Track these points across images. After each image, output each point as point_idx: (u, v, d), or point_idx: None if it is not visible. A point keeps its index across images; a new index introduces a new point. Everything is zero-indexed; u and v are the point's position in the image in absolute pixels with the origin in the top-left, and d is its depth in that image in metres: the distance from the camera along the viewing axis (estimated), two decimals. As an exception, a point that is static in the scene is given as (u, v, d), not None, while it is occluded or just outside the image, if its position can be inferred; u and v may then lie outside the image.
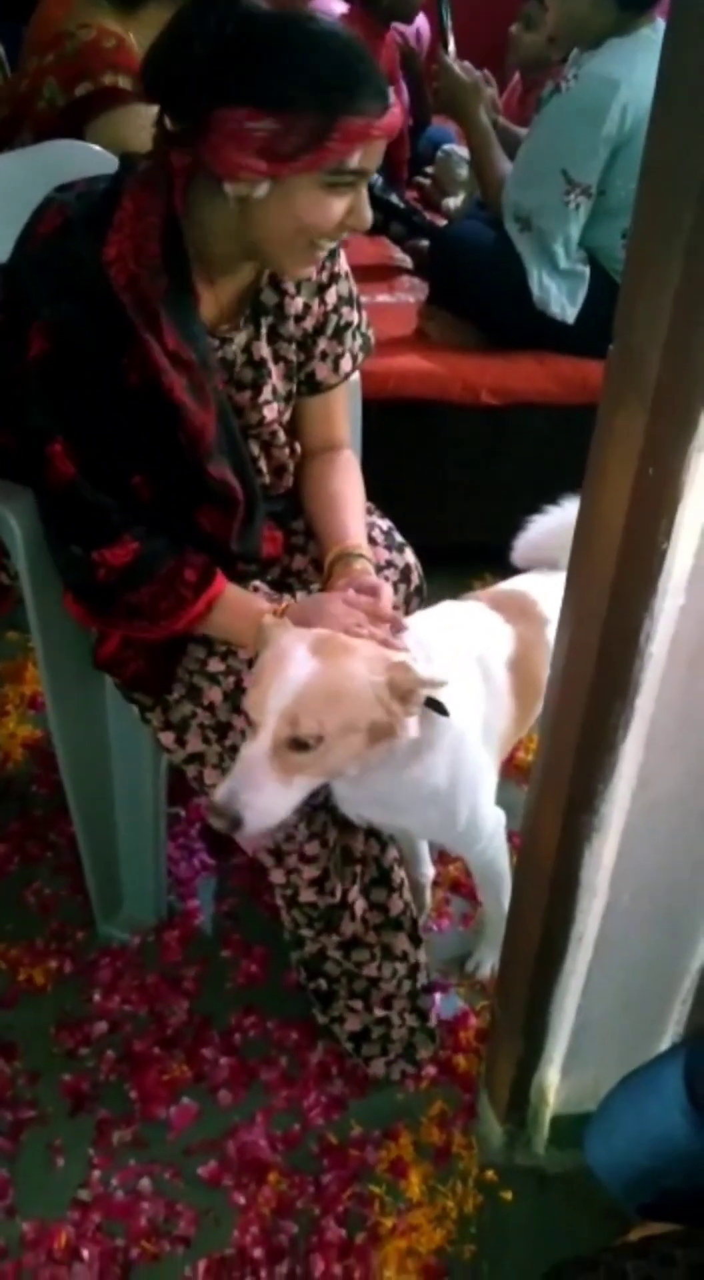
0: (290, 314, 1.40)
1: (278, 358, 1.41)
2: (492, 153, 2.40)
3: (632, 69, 2.07)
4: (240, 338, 1.36)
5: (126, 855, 1.69)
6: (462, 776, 1.36)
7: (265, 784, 1.12)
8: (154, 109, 1.93)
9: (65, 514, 1.28)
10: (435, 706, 1.22)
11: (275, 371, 1.41)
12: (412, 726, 1.21)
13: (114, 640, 1.38)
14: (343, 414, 1.55)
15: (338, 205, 1.20)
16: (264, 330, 1.39)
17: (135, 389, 1.22)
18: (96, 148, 1.76)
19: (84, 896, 1.72)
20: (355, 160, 1.17)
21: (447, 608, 1.49)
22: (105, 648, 1.40)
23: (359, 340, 1.49)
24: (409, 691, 1.16)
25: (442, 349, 2.46)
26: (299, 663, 1.13)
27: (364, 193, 1.24)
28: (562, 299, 2.27)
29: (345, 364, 1.48)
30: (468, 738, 1.36)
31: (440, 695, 1.21)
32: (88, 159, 1.72)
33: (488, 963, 1.69)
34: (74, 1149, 1.45)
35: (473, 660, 1.40)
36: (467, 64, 2.45)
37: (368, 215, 1.25)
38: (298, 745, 1.12)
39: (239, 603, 1.33)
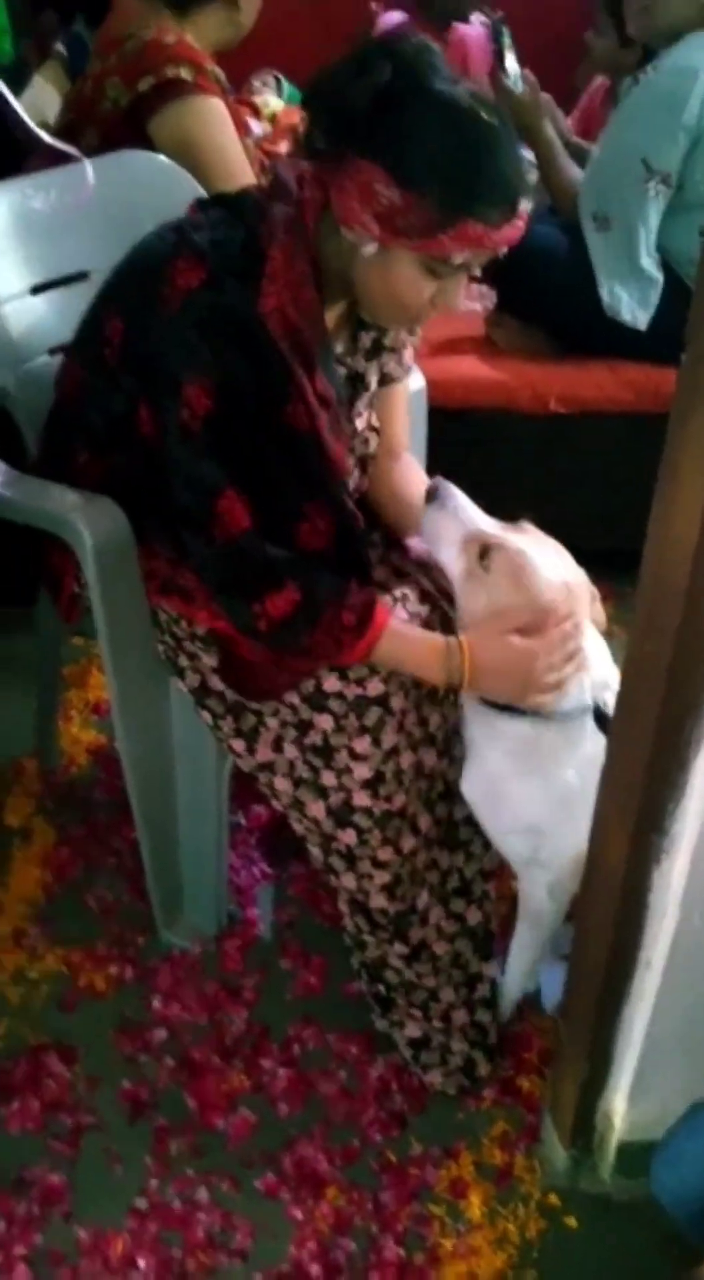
0: None
1: (378, 368, 1.43)
2: (558, 160, 2.37)
3: None
4: (343, 354, 1.38)
5: (188, 862, 1.69)
6: (522, 799, 1.35)
7: (454, 530, 1.34)
8: (217, 101, 1.95)
9: (230, 567, 1.28)
10: (601, 720, 1.31)
11: (373, 382, 1.44)
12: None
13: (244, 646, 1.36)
14: (404, 414, 1.56)
15: (432, 287, 1.22)
16: (366, 345, 1.41)
17: (301, 433, 1.24)
18: (163, 158, 1.78)
19: (145, 903, 1.73)
20: (461, 258, 1.18)
21: None
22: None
23: (418, 334, 1.49)
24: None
25: (509, 357, 2.43)
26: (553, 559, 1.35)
27: (462, 279, 1.25)
28: (633, 306, 2.24)
29: (408, 357, 1.50)
30: (563, 776, 1.33)
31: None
32: (155, 170, 1.74)
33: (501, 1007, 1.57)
34: (132, 1156, 1.45)
35: None
36: (527, 74, 2.43)
37: (460, 300, 1.27)
38: (483, 554, 1.32)
39: (404, 641, 1.32)
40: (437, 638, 1.33)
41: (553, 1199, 1.41)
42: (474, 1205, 1.40)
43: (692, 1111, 1.11)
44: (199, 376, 1.19)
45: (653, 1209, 1.17)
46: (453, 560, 1.35)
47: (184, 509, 1.26)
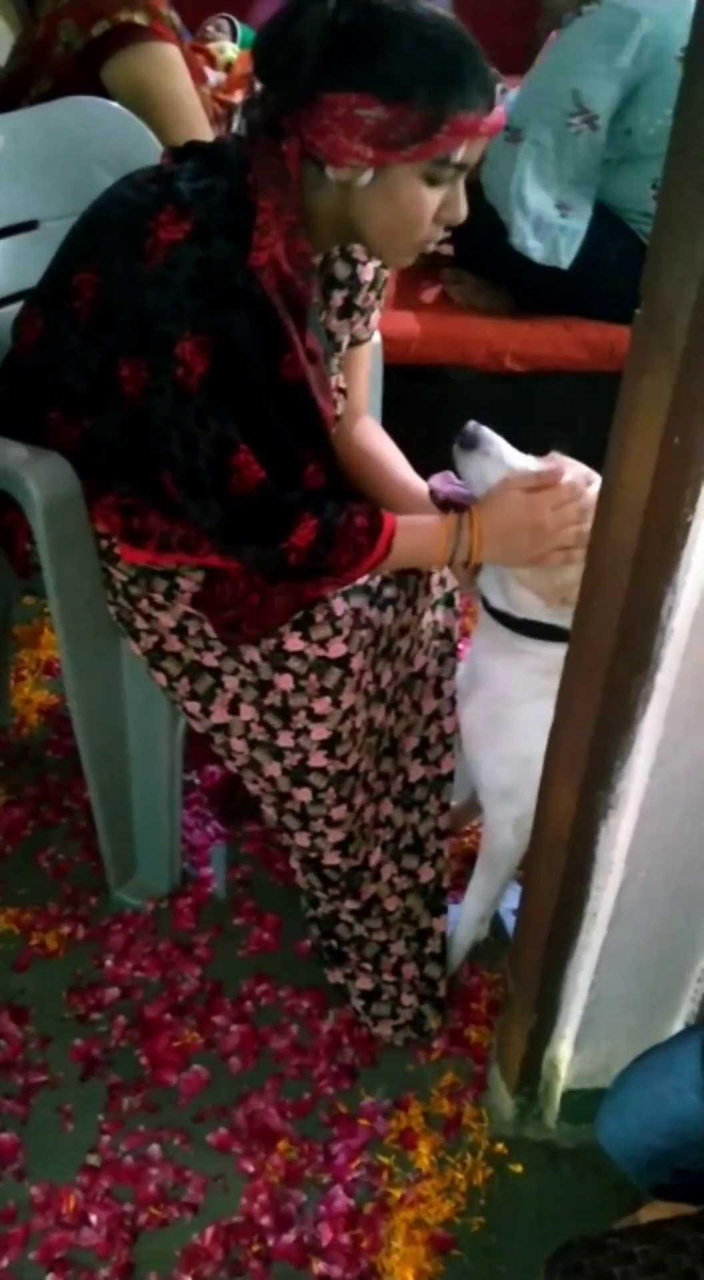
0: (364, 281, 1.40)
1: (348, 328, 1.42)
2: None
3: (654, 1, 2.01)
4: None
5: (141, 822, 1.69)
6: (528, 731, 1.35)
7: (497, 472, 1.35)
8: (172, 48, 1.90)
9: (248, 518, 1.26)
10: None
11: (344, 342, 1.42)
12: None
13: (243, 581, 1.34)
14: (366, 377, 1.54)
15: (435, 198, 1.20)
16: (337, 304, 1.38)
17: (293, 385, 1.22)
18: (115, 104, 1.73)
19: (98, 862, 1.72)
20: (459, 154, 1.16)
21: None
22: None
23: (382, 296, 1.48)
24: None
25: (466, 313, 2.41)
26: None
27: (461, 186, 1.22)
28: (526, 233, 2.17)
29: (374, 319, 1.48)
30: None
31: None
32: (107, 116, 1.70)
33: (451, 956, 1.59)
34: (84, 1114, 1.45)
35: None
36: None
37: (463, 209, 1.24)
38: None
39: (413, 530, 1.32)
40: (446, 517, 1.33)
41: (500, 1147, 1.44)
42: (423, 1155, 1.42)
43: (638, 1061, 1.13)
44: (194, 335, 1.14)
45: (596, 1154, 1.19)
46: None
47: (189, 470, 1.22)
